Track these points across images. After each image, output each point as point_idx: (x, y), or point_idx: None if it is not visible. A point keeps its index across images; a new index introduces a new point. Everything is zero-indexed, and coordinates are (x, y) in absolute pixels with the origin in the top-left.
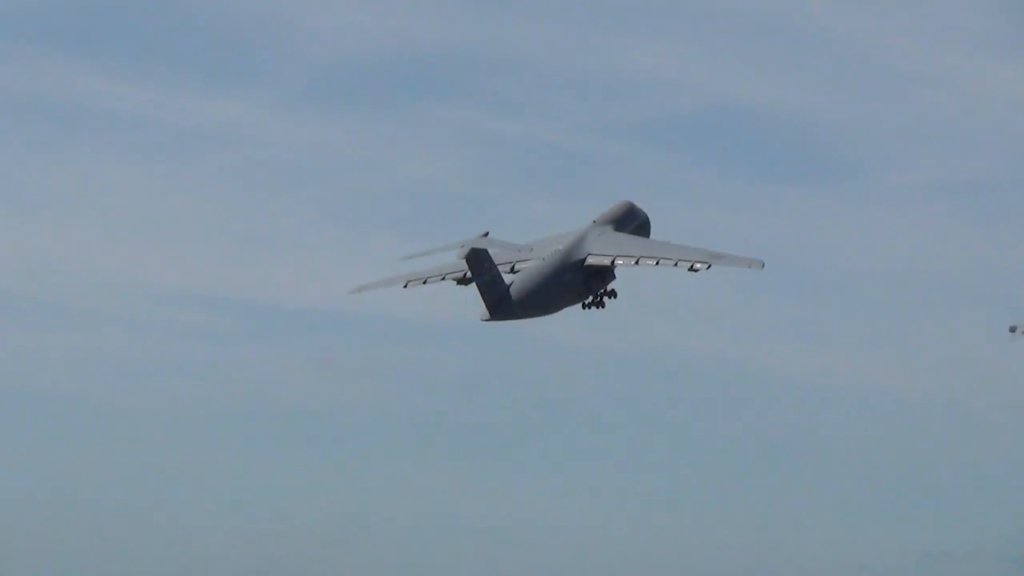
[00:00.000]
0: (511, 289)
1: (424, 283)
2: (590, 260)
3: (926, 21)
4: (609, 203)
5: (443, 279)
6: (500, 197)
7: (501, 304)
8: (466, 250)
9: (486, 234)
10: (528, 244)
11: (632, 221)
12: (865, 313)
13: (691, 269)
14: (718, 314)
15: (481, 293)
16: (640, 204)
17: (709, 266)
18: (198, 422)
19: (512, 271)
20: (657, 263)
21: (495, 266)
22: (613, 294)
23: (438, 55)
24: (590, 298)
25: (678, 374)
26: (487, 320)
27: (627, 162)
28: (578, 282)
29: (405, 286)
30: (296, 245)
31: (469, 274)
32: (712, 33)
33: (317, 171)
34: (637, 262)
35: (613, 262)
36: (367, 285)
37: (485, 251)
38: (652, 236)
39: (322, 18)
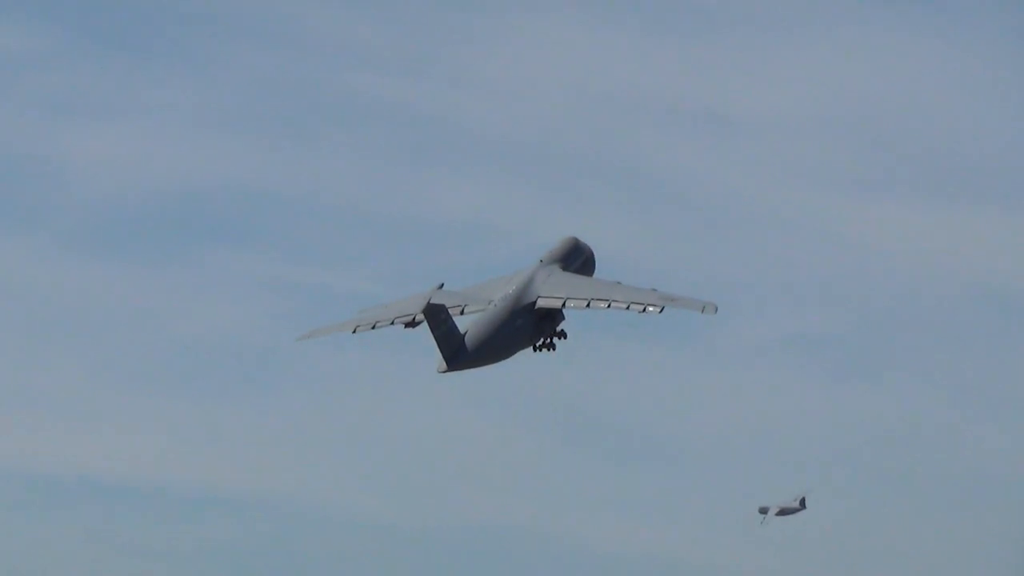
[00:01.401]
0: (466, 339)
1: (373, 328)
2: (540, 303)
3: (770, 159)
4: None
5: (392, 323)
6: (298, 351)
7: (458, 354)
8: (423, 305)
9: (441, 286)
10: (477, 286)
11: (578, 257)
12: (700, 479)
13: (642, 311)
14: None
15: (438, 345)
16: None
17: (662, 309)
18: None
19: (461, 313)
20: (608, 306)
21: (451, 318)
22: (563, 334)
23: (220, 196)
24: (541, 340)
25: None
26: (444, 371)
27: None
28: (530, 325)
29: (354, 331)
30: (62, 405)
31: (418, 318)
32: (558, 173)
33: (85, 323)
34: (588, 304)
35: (564, 304)
36: (316, 331)
37: (442, 306)
38: (597, 273)
39: (90, 154)
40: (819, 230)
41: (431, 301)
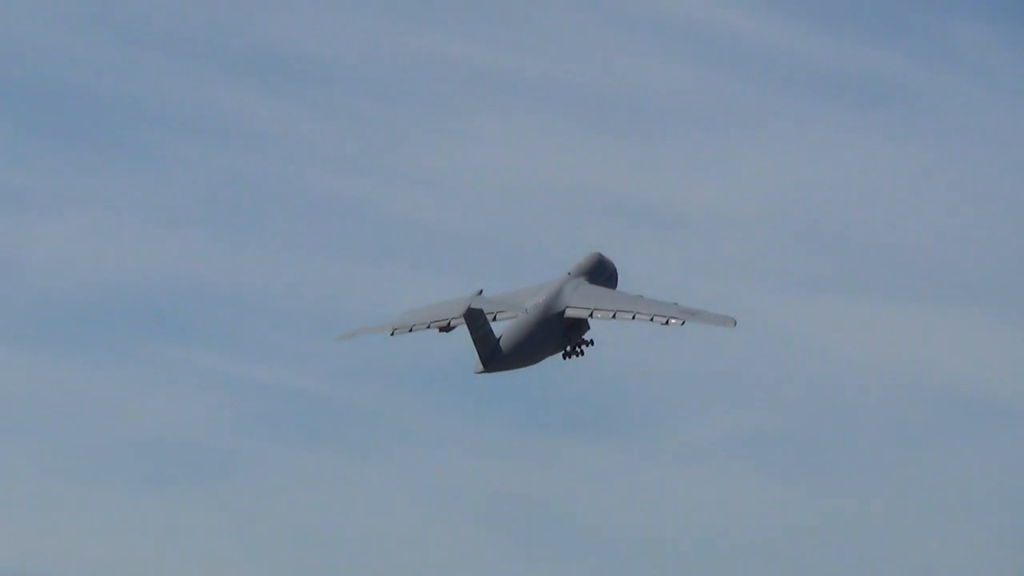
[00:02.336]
0: (501, 342)
1: (410, 331)
2: (569, 312)
3: (717, 257)
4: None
5: (428, 327)
6: (250, 449)
7: (494, 357)
8: (464, 309)
9: (480, 292)
10: (510, 294)
11: (603, 273)
12: None
13: (664, 324)
14: None
15: (476, 347)
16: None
17: (683, 322)
18: None
19: (493, 320)
20: (633, 317)
21: (488, 323)
22: (590, 343)
23: (171, 290)
24: (569, 347)
25: None
26: (481, 372)
27: (390, 410)
28: (558, 333)
29: (392, 333)
30: (3, 499)
31: (452, 322)
32: (507, 269)
33: (32, 417)
34: (614, 316)
35: (591, 314)
36: (357, 331)
37: (481, 311)
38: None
39: (39, 248)
40: (768, 328)
41: (471, 306)
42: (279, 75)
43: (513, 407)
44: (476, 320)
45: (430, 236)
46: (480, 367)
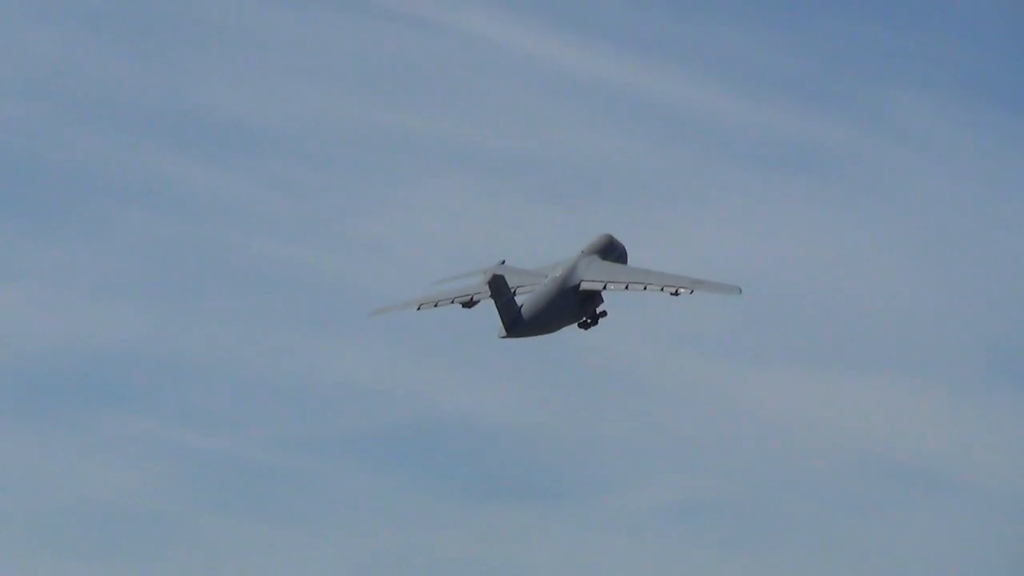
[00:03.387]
0: (522, 311)
1: (435, 306)
2: (584, 285)
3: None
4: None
5: (452, 303)
6: (193, 519)
7: (516, 323)
8: (489, 276)
9: (503, 262)
10: (530, 270)
11: (613, 251)
12: None
13: (674, 294)
14: None
15: (500, 314)
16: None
17: (692, 291)
18: None
19: (514, 294)
20: (644, 288)
21: (510, 291)
22: (604, 314)
23: (115, 359)
24: (584, 318)
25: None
26: (504, 337)
27: (333, 477)
28: (575, 304)
29: (419, 308)
30: None
31: (475, 298)
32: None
33: None
34: (627, 287)
35: (605, 286)
36: (386, 307)
37: (503, 277)
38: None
39: None
40: (705, 396)
41: (495, 274)
42: (220, 144)
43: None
44: (499, 287)
45: (370, 303)
46: (503, 332)
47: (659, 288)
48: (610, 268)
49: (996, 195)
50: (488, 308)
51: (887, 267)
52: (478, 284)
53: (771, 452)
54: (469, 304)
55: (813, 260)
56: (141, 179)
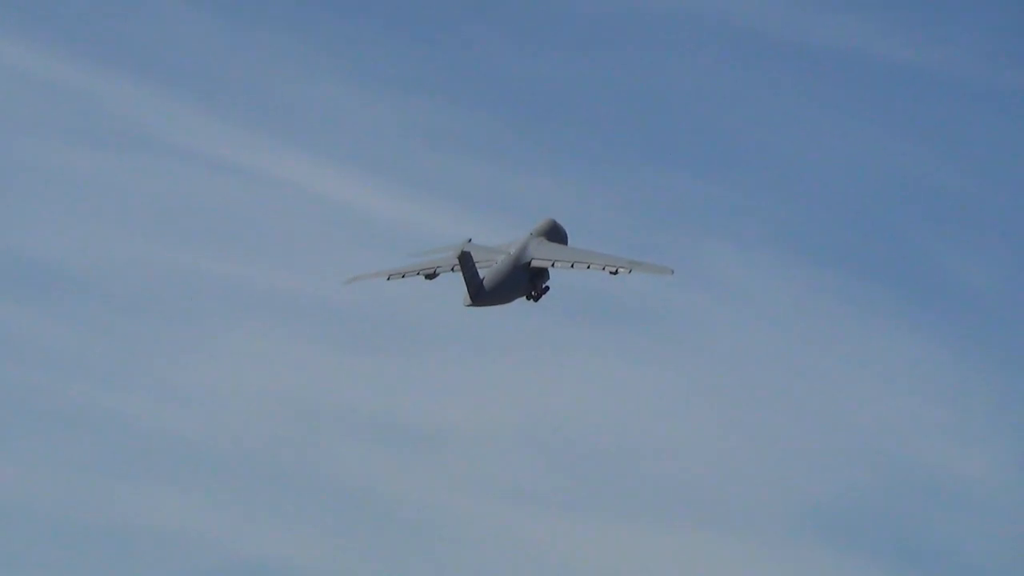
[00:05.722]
0: (484, 282)
1: (403, 277)
2: (534, 263)
3: (468, 474)
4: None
5: (418, 274)
6: None
7: (479, 293)
8: (458, 251)
9: (470, 240)
10: (491, 248)
11: (557, 234)
12: None
13: (613, 272)
14: None
15: (467, 285)
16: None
17: (630, 271)
18: None
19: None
20: (588, 267)
21: (475, 265)
22: (546, 289)
23: None
24: (533, 292)
25: None
26: (469, 305)
27: None
28: (525, 279)
29: (388, 279)
30: None
31: (437, 271)
32: (263, 484)
33: None
34: (572, 265)
35: (553, 264)
36: (359, 276)
37: (469, 254)
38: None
39: None
40: (515, 545)
41: (463, 250)
42: (29, 286)
43: None
44: (466, 261)
45: (182, 450)
46: (468, 301)
47: (600, 267)
48: (556, 248)
49: (811, 350)
50: (449, 280)
51: (698, 421)
52: (445, 259)
53: None
54: (432, 276)
55: (624, 413)
56: None
